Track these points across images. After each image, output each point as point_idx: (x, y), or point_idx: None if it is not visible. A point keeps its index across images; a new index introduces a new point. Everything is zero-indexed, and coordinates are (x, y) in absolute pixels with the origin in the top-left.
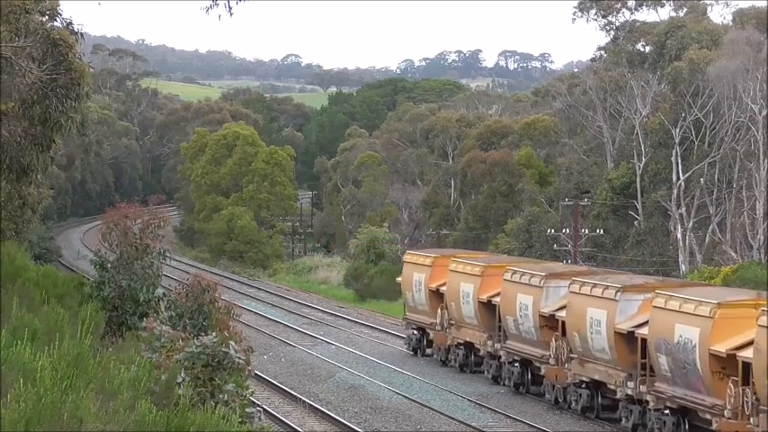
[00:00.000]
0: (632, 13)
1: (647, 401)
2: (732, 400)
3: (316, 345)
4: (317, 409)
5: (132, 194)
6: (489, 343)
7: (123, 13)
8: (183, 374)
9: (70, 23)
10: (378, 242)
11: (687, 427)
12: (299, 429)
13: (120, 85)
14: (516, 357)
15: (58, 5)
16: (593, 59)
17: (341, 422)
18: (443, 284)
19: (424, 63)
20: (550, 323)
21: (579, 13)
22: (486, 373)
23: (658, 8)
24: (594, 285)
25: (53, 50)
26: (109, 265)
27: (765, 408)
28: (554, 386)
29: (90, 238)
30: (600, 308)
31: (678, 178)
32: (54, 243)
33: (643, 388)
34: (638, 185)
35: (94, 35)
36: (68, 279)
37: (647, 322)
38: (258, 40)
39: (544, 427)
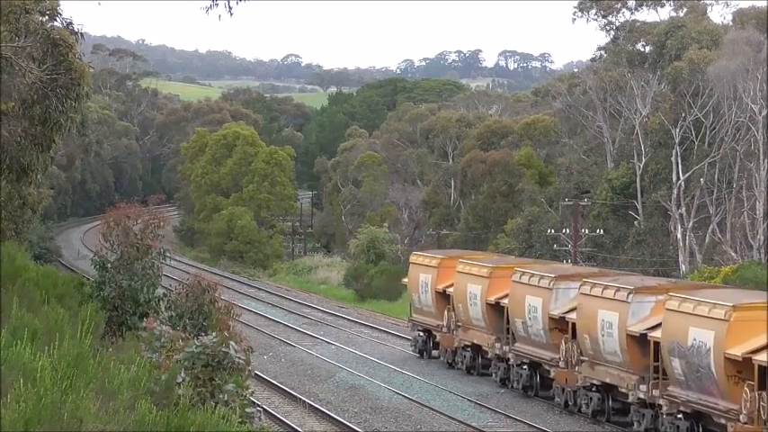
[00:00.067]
0: (632, 13)
1: (660, 405)
2: (748, 405)
3: (316, 345)
4: (317, 409)
5: (132, 194)
6: (497, 345)
7: (123, 13)
8: (182, 374)
9: (70, 23)
10: (378, 242)
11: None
12: (299, 429)
13: (120, 85)
14: (525, 360)
15: (58, 5)
16: (593, 59)
17: (341, 422)
18: (450, 286)
19: (424, 63)
20: (560, 325)
21: (579, 13)
22: (493, 375)
23: (658, 8)
24: (606, 287)
25: (53, 50)
26: (109, 266)
27: None
28: (564, 389)
29: (90, 238)
30: (611, 310)
31: (678, 178)
32: (54, 243)
33: (656, 392)
34: (638, 185)
35: (94, 35)
36: (68, 279)
37: (659, 325)
38: (258, 40)
39: (544, 427)
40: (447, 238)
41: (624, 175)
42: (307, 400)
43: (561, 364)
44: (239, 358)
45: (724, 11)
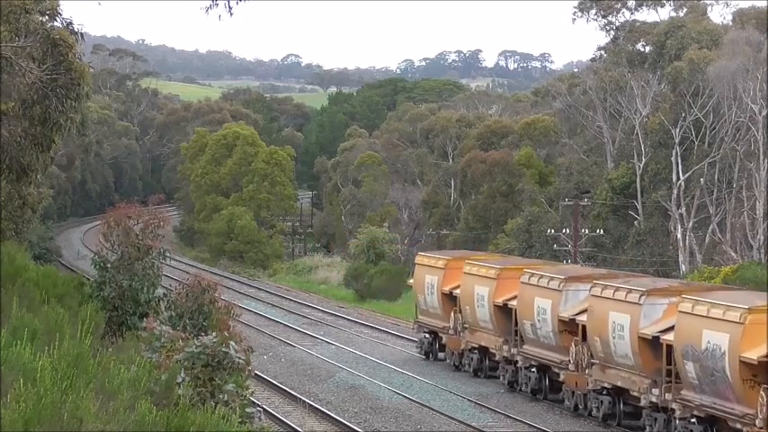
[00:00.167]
0: (632, 13)
1: (673, 409)
2: (764, 409)
3: (316, 345)
4: (317, 409)
5: (132, 194)
6: (505, 347)
7: (123, 13)
8: (183, 374)
9: (70, 23)
10: (378, 242)
11: None
12: (299, 429)
13: (120, 85)
14: (533, 363)
15: (58, 5)
16: (593, 59)
17: (341, 422)
18: (457, 287)
19: (424, 63)
20: (570, 327)
21: (579, 13)
22: (501, 378)
23: (658, 8)
24: (617, 289)
25: (53, 50)
26: (109, 266)
27: None
28: (573, 393)
29: (90, 238)
30: (623, 312)
31: (678, 178)
32: (54, 243)
33: (668, 395)
34: (638, 185)
35: (94, 35)
36: (68, 279)
37: (672, 327)
38: (258, 40)
39: (544, 426)
40: (447, 238)
41: (624, 175)
42: (307, 400)
43: (571, 366)
44: (239, 358)
45: (724, 11)
